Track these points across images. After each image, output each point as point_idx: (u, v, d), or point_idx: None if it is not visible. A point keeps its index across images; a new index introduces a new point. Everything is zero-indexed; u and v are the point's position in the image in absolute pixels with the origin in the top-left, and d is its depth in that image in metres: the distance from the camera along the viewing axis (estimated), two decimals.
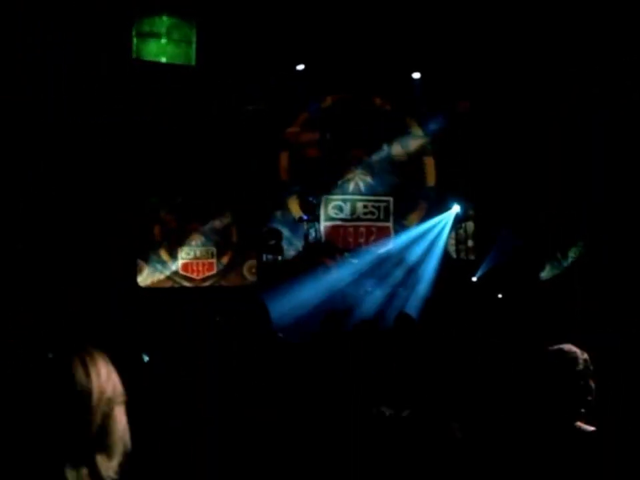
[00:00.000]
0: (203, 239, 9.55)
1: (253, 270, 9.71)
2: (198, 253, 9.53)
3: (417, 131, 10.86)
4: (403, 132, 10.79)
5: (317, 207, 10.19)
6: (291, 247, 9.91)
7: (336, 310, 5.61)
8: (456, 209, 10.54)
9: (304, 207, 10.00)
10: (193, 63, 8.93)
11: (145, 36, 8.63)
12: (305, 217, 9.82)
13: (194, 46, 8.85)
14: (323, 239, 10.04)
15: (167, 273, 9.34)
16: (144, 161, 9.01)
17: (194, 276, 9.47)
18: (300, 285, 8.78)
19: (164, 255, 9.37)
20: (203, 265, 9.55)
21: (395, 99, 10.73)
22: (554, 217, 10.61)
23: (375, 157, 10.55)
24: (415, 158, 10.82)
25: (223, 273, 9.62)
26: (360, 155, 10.50)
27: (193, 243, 9.53)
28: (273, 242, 9.68)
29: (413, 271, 9.88)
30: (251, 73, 9.42)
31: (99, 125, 8.37)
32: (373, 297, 9.08)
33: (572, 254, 10.73)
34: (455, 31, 9.63)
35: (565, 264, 10.74)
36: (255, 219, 9.75)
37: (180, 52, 8.77)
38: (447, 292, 9.27)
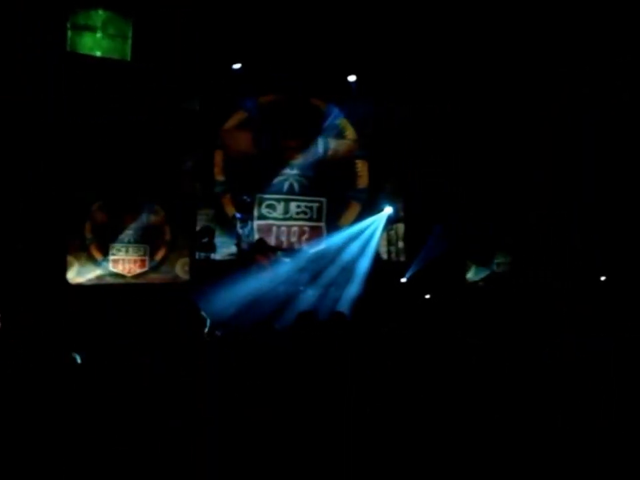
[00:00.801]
0: (135, 235, 9.43)
1: (186, 268, 9.66)
2: (130, 250, 9.40)
3: (351, 133, 11.02)
4: (337, 134, 10.93)
5: (251, 205, 10.22)
6: (224, 246, 9.90)
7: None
8: (388, 210, 10.76)
9: (237, 205, 10.01)
10: (128, 58, 8.81)
11: (80, 29, 8.46)
12: (239, 216, 9.84)
13: (129, 41, 8.74)
14: (256, 237, 10.07)
15: (98, 270, 9.17)
16: (74, 155, 8.83)
17: (125, 273, 9.34)
18: (233, 283, 8.80)
19: (94, 251, 9.20)
20: (135, 262, 9.42)
21: (330, 101, 10.85)
22: (484, 220, 10.95)
23: (310, 158, 10.65)
24: (348, 160, 10.97)
25: (155, 270, 9.53)
26: (294, 156, 10.57)
27: (125, 239, 9.39)
28: (205, 240, 9.67)
29: (345, 270, 10.04)
30: (186, 70, 9.36)
31: (29, 118, 8.18)
32: (306, 296, 9.19)
33: (499, 258, 11.13)
34: (393, 34, 9.81)
35: (493, 267, 11.13)
36: (189, 216, 9.70)
37: (115, 46, 8.64)
38: (377, 292, 9.47)
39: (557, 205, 10.55)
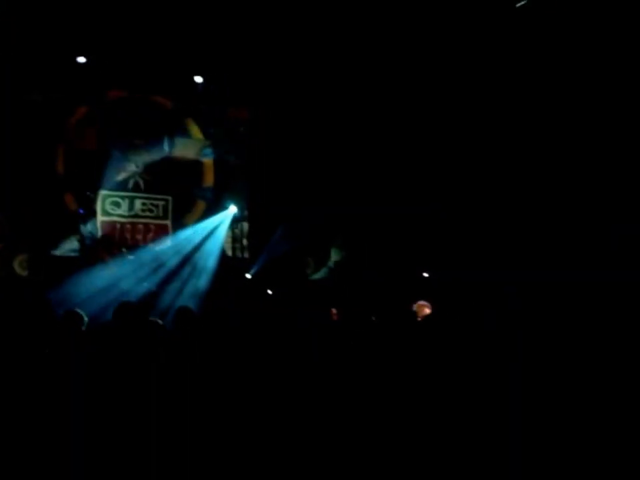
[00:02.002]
0: None
1: (25, 264, 9.34)
2: None
3: (197, 132, 11.15)
4: (183, 133, 11.02)
5: (93, 202, 10.07)
6: (66, 242, 9.68)
7: (129, 302, 5.70)
8: (233, 209, 11.02)
9: (80, 201, 9.83)
10: None
11: None
12: (81, 212, 9.67)
13: None
14: (100, 234, 9.94)
15: None
16: None
17: None
18: (75, 280, 8.65)
19: None
20: None
21: (176, 100, 10.91)
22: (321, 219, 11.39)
23: (155, 156, 10.65)
24: (194, 159, 11.09)
25: None
26: (140, 153, 10.53)
27: None
28: (47, 235, 9.41)
29: (191, 267, 10.17)
30: (28, 61, 9.06)
31: None
32: (151, 293, 9.22)
33: (334, 255, 11.73)
34: (240, 37, 10.00)
35: (330, 264, 11.71)
36: (29, 212, 9.38)
37: None
38: (223, 287, 9.70)
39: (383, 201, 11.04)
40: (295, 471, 4.14)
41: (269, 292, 10.44)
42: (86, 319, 4.90)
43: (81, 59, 9.57)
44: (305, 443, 4.24)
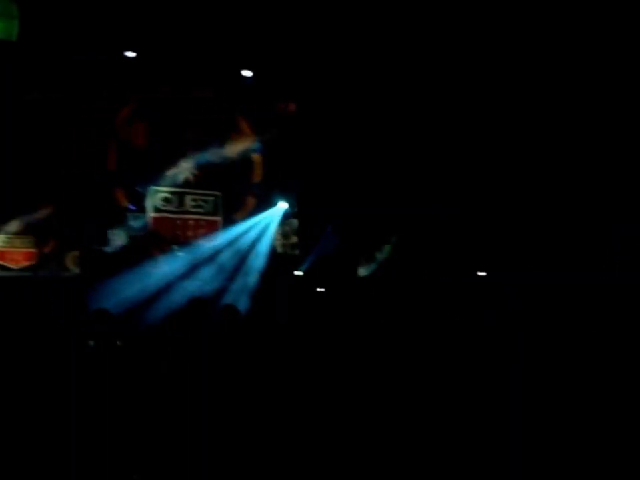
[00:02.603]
0: (22, 226, 8.99)
1: (77, 261, 9.33)
2: (16, 242, 8.96)
3: (246, 128, 11.02)
4: (232, 128, 10.91)
5: (144, 197, 10.02)
6: (117, 238, 9.64)
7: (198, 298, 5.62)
8: (282, 205, 10.89)
9: (131, 197, 9.79)
10: (15, 38, 8.37)
11: None
12: (132, 207, 9.63)
13: (16, 21, 8.30)
14: (150, 230, 9.88)
15: None
16: None
17: (11, 265, 8.89)
18: (126, 277, 8.62)
19: None
20: (22, 254, 9.00)
21: (225, 95, 10.81)
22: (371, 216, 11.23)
23: (205, 151, 10.56)
24: (243, 154, 10.97)
25: (44, 263, 9.13)
26: (189, 148, 10.46)
27: (11, 230, 8.94)
28: (98, 232, 9.38)
29: (241, 264, 10.06)
30: (77, 56, 9.04)
31: None
32: (202, 290, 9.13)
33: (386, 253, 11.50)
34: (288, 32, 9.89)
35: (380, 262, 11.49)
36: (80, 208, 9.37)
37: (1, 26, 8.17)
38: (272, 285, 9.57)
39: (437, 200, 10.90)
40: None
41: (320, 289, 10.27)
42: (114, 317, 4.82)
43: (130, 54, 9.50)
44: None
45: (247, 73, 10.55)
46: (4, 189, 8.77)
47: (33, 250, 9.09)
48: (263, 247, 10.50)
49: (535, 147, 9.63)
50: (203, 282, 9.33)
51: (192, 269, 9.39)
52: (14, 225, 8.97)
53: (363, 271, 11.45)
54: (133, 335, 5.48)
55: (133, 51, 9.54)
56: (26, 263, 9.02)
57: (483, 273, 10.21)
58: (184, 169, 10.43)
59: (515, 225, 9.53)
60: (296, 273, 10.66)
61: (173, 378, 4.53)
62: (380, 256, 11.50)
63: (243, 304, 9.11)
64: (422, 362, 5.04)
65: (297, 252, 11.17)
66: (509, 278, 7.97)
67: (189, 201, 10.50)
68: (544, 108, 9.40)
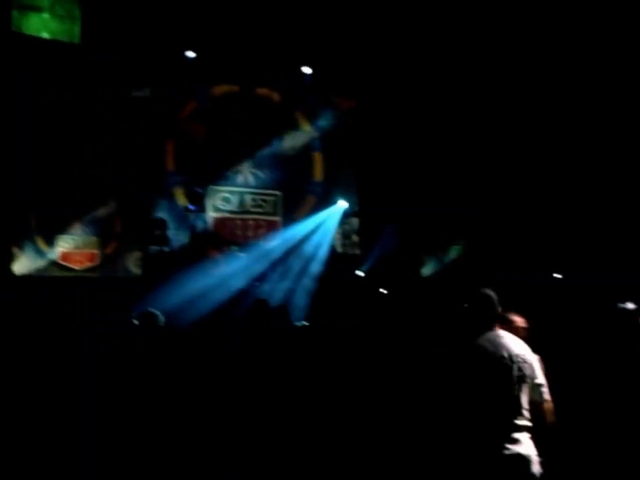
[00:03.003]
0: (85, 228, 9.07)
1: (138, 261, 9.35)
2: (79, 243, 9.04)
3: (306, 125, 10.88)
4: (292, 126, 10.77)
5: (203, 197, 9.97)
6: (177, 239, 9.61)
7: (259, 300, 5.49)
8: (342, 204, 10.69)
9: (190, 197, 9.74)
10: (77, 40, 8.44)
11: (25, 9, 8.05)
12: (191, 208, 9.58)
13: (78, 23, 8.37)
14: (210, 230, 9.83)
15: (45, 262, 8.78)
16: (20, 143, 8.47)
17: (75, 266, 8.97)
18: (186, 277, 8.56)
19: (41, 243, 8.81)
20: (85, 255, 9.07)
21: (284, 93, 10.69)
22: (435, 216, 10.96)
23: (264, 150, 10.46)
24: (303, 153, 10.83)
25: (106, 264, 9.19)
26: (249, 147, 10.37)
27: (74, 232, 9.02)
28: (158, 232, 9.37)
29: (300, 264, 9.91)
30: (138, 56, 9.06)
31: None
32: (261, 291, 9.02)
33: (452, 253, 11.16)
34: (348, 29, 9.72)
35: (445, 261, 11.16)
36: (140, 208, 9.39)
37: (63, 28, 8.25)
38: (333, 285, 9.37)
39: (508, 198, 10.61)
40: None
41: (382, 290, 10.00)
42: (162, 318, 4.71)
43: (190, 54, 9.46)
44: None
45: (306, 70, 10.39)
46: (66, 192, 8.88)
47: (95, 251, 9.15)
48: (323, 247, 10.33)
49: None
50: (263, 282, 9.19)
51: (251, 269, 9.27)
52: (77, 227, 9.04)
53: (426, 271, 11.16)
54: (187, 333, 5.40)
55: (193, 51, 9.49)
56: (89, 264, 9.09)
57: (559, 275, 9.76)
58: (243, 168, 10.36)
59: (591, 224, 9.18)
60: (357, 272, 10.44)
61: (232, 377, 4.45)
62: (445, 256, 11.18)
63: (302, 304, 8.95)
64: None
65: (357, 251, 10.96)
66: (587, 279, 7.60)
67: (248, 200, 10.42)
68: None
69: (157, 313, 5.02)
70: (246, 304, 7.58)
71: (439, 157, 10.78)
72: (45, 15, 8.20)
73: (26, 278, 8.58)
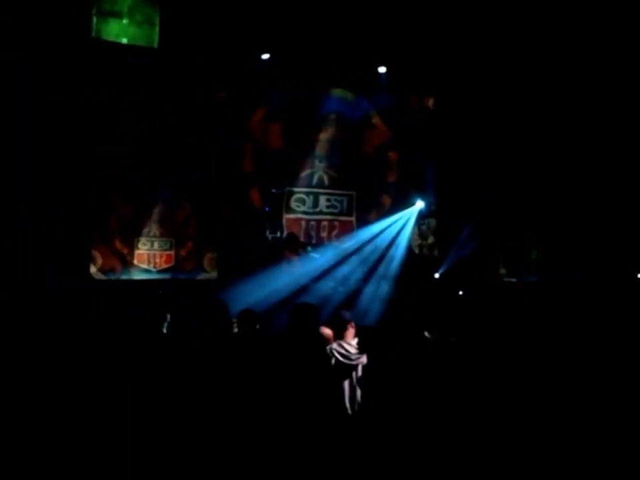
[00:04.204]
0: (161, 229, 9.22)
1: (213, 262, 9.44)
2: (155, 244, 9.20)
3: (381, 125, 10.72)
4: (366, 125, 10.64)
5: (279, 199, 9.98)
6: (253, 240, 9.62)
7: (303, 304, 5.39)
8: (419, 204, 10.50)
9: (266, 198, 9.76)
10: (156, 45, 8.59)
11: (105, 15, 8.25)
12: (267, 209, 9.60)
13: (157, 28, 8.52)
14: (285, 232, 9.82)
15: (123, 264, 8.98)
16: (100, 146, 8.70)
17: (151, 267, 9.13)
18: (261, 279, 8.56)
19: (119, 245, 9.01)
20: (161, 256, 9.22)
21: (359, 93, 10.57)
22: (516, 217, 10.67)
23: (339, 151, 10.38)
24: (379, 152, 10.68)
25: (181, 265, 9.32)
26: (324, 148, 10.31)
27: (151, 233, 9.19)
28: (234, 234, 9.43)
29: (376, 265, 9.79)
30: (214, 60, 9.15)
31: (54, 106, 8.04)
32: (337, 293, 8.95)
33: (534, 255, 10.81)
34: (423, 27, 9.55)
35: (526, 264, 10.82)
36: (217, 210, 9.47)
37: (142, 33, 8.41)
38: (410, 288, 9.21)
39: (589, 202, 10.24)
40: None
41: (460, 293, 9.75)
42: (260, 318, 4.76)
43: (265, 56, 9.48)
44: None
45: (381, 69, 10.24)
46: (144, 194, 9.06)
47: (171, 252, 9.29)
48: (400, 248, 10.17)
49: None
50: (338, 284, 9.11)
51: (326, 271, 9.20)
52: (154, 228, 9.20)
53: (505, 274, 10.82)
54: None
55: (268, 53, 9.51)
56: (165, 265, 9.23)
57: None
58: (318, 168, 10.31)
59: None
60: (435, 275, 10.22)
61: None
62: (526, 257, 10.82)
63: (377, 307, 8.82)
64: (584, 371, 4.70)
65: (435, 253, 10.73)
66: None
67: (323, 201, 10.35)
68: None
69: (257, 312, 5.10)
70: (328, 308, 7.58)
71: (518, 156, 10.48)
72: (125, 21, 8.38)
73: (104, 281, 8.80)
